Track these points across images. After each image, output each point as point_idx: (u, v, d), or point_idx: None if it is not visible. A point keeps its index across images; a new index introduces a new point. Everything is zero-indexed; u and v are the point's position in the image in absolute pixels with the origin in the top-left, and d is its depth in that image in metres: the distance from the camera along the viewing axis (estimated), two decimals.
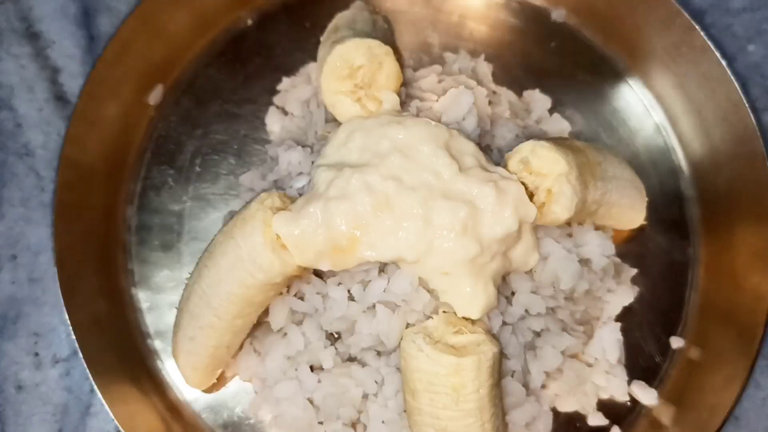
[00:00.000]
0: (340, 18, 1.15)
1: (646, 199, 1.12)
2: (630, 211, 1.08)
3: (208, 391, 1.05)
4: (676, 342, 1.09)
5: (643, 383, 1.06)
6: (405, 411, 0.93)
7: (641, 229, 1.13)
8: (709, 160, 1.16)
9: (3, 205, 1.13)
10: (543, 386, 1.02)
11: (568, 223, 0.94)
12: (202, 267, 0.97)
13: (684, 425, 1.02)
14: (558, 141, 0.97)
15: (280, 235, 0.90)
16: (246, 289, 0.93)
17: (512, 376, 0.98)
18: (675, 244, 1.14)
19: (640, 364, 1.08)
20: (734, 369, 1.02)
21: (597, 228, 1.05)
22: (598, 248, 1.02)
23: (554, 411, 1.03)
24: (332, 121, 1.07)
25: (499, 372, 0.91)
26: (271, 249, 0.90)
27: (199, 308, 0.96)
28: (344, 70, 1.01)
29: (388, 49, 1.02)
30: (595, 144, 1.13)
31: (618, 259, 1.08)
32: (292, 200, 0.95)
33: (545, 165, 0.93)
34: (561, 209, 0.93)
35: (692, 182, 1.17)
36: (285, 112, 1.17)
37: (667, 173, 1.18)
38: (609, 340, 1.05)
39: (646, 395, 1.06)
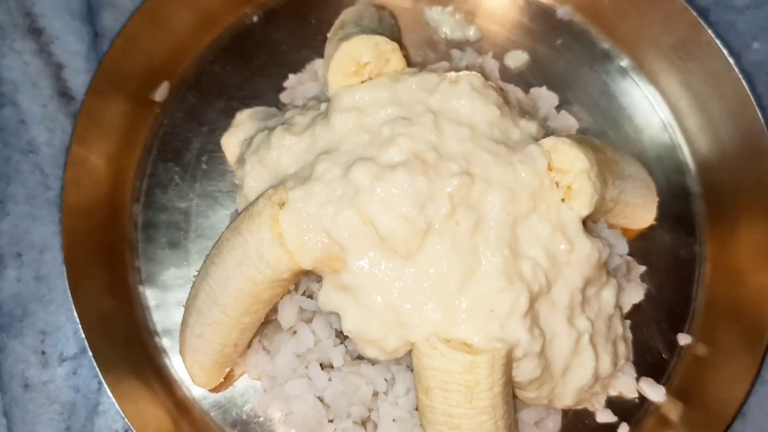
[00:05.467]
0: (347, 14, 1.14)
1: (657, 198, 1.12)
2: (642, 210, 1.09)
3: (216, 390, 1.05)
4: (683, 339, 1.09)
5: (651, 380, 1.06)
6: (417, 409, 0.93)
7: (648, 226, 1.13)
8: (715, 156, 1.16)
9: (8, 202, 1.12)
10: None
11: (582, 222, 0.94)
12: (210, 263, 0.96)
13: (692, 422, 1.02)
14: (577, 137, 0.97)
15: (282, 233, 0.90)
16: (253, 286, 0.92)
17: None
18: (681, 241, 1.14)
19: (648, 360, 1.08)
20: (742, 365, 1.02)
21: (608, 227, 1.05)
22: (612, 247, 1.02)
23: (563, 409, 1.03)
24: None
25: (511, 369, 0.91)
26: (279, 244, 0.89)
27: (206, 305, 0.96)
28: (351, 67, 1.00)
29: (394, 45, 1.01)
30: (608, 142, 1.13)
31: (630, 258, 1.08)
32: None
33: (566, 161, 0.93)
34: (581, 206, 0.92)
35: (698, 179, 1.17)
36: None
37: (673, 170, 1.18)
38: None
39: (654, 392, 1.06)
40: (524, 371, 0.90)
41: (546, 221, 0.90)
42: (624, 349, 1.02)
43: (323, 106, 1.01)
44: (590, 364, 0.95)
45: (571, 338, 0.92)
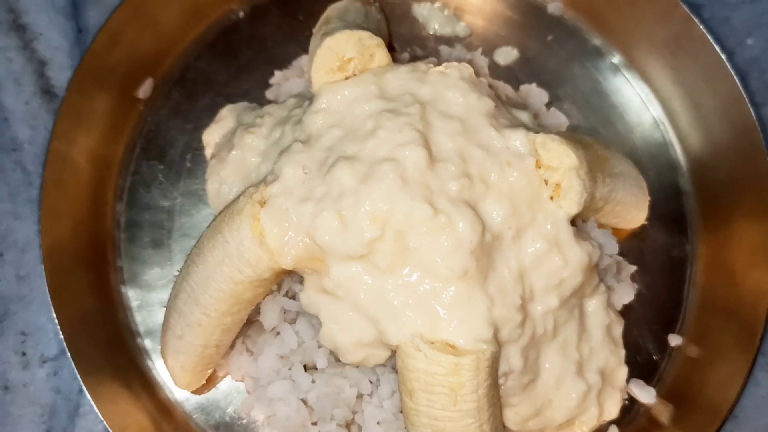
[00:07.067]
0: (333, 9, 1.12)
1: (649, 198, 1.11)
2: (633, 209, 1.07)
3: (199, 391, 1.03)
4: (674, 340, 1.08)
5: (642, 382, 1.05)
6: (401, 411, 0.91)
7: (640, 225, 1.12)
8: (708, 154, 1.14)
9: None
10: None
11: (572, 221, 0.93)
12: (190, 263, 0.95)
13: (683, 424, 1.01)
14: (567, 135, 0.95)
15: (263, 232, 0.88)
16: (234, 286, 0.91)
17: None
18: (673, 240, 1.13)
19: (638, 362, 1.06)
20: (734, 366, 1.00)
21: (599, 227, 1.03)
22: (602, 247, 1.00)
23: None
24: None
25: (497, 371, 0.89)
26: (259, 243, 0.87)
27: (187, 306, 0.94)
28: (334, 62, 0.98)
29: (379, 40, 0.99)
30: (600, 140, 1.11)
31: (620, 257, 1.07)
32: None
33: (555, 158, 0.91)
34: (570, 204, 0.91)
35: (691, 177, 1.16)
36: None
37: (665, 168, 1.17)
38: None
39: (645, 394, 1.04)
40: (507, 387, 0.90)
41: (542, 239, 0.89)
42: (624, 377, 1.03)
43: (307, 103, 1.00)
44: (592, 422, 0.97)
45: (579, 390, 0.95)
